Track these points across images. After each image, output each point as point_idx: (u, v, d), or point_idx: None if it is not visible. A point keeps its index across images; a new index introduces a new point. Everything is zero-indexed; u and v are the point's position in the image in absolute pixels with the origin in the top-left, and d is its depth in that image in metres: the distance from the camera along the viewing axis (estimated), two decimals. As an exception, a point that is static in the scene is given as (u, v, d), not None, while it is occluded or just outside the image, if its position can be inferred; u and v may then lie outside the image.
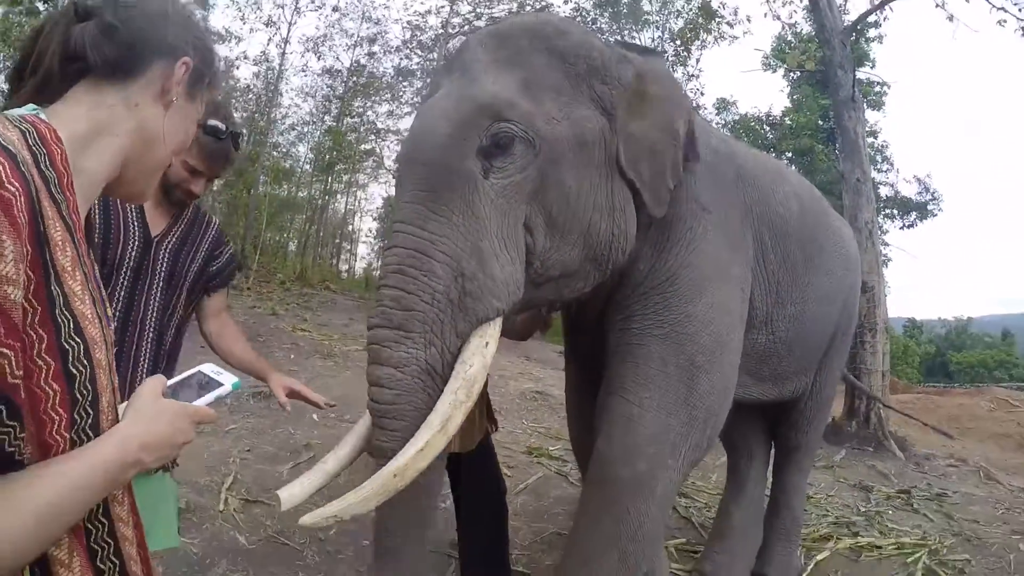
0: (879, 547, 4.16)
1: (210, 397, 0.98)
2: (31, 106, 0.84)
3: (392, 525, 1.96)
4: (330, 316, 13.33)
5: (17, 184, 0.69)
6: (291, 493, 1.78)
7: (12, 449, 0.68)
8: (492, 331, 1.91)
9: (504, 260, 1.92)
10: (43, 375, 0.72)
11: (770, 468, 3.73)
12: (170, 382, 0.97)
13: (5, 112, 0.79)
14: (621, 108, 2.16)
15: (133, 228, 2.02)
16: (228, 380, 1.02)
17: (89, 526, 0.82)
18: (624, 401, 2.29)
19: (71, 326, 0.76)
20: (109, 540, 0.86)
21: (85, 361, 0.78)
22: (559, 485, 4.89)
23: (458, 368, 1.83)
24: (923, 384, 23.20)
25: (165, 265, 2.08)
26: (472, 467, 2.90)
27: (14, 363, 0.66)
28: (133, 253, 2.00)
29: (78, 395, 0.77)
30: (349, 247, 30.58)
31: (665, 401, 2.28)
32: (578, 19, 17.30)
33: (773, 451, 3.70)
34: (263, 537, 3.50)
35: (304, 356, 8.86)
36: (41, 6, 15.28)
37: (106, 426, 0.82)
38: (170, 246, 2.10)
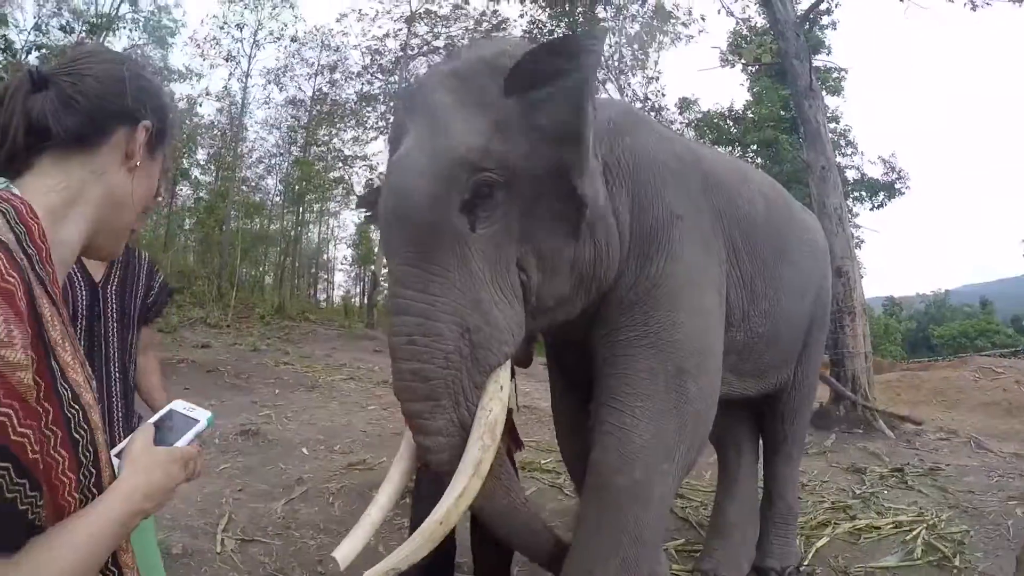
0: (877, 527, 4.20)
1: (191, 435, 1.00)
2: (1, 181, 0.87)
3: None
4: (312, 347, 13.29)
5: (15, 274, 0.74)
6: (345, 552, 1.86)
7: (34, 516, 0.73)
8: (504, 374, 2.02)
9: (504, 305, 1.98)
10: (52, 444, 0.77)
11: (761, 461, 3.76)
12: (151, 421, 1.00)
13: None
14: None
15: (77, 278, 2.10)
16: (202, 415, 1.03)
17: None
18: (616, 411, 2.32)
19: (70, 395, 0.81)
20: None
21: (85, 425, 0.83)
22: (554, 498, 4.88)
23: (479, 415, 1.94)
24: (908, 360, 23.44)
25: (115, 307, 2.17)
26: None
27: (33, 440, 0.72)
28: (83, 302, 2.09)
29: (82, 457, 0.82)
30: (326, 276, 30.52)
31: (656, 408, 2.31)
32: (535, 32, 17.44)
33: (762, 444, 3.73)
34: (263, 576, 3.46)
35: (289, 390, 8.81)
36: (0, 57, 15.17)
37: (107, 481, 0.87)
38: (114, 288, 2.19)
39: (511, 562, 3.16)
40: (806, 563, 3.66)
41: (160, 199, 2.21)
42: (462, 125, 1.97)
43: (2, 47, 15.58)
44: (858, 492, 5.09)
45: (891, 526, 4.23)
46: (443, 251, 1.91)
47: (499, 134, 1.98)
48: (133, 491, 0.85)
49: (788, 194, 3.47)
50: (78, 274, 2.10)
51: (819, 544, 3.89)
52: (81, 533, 0.77)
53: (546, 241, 2.06)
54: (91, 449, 0.84)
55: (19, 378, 0.71)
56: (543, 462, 5.72)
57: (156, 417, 1.02)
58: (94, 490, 0.84)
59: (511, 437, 3.05)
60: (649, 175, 2.40)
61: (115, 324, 2.16)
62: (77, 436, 0.81)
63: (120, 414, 2.15)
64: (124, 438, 1.94)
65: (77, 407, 0.82)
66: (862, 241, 20.56)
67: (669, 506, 2.56)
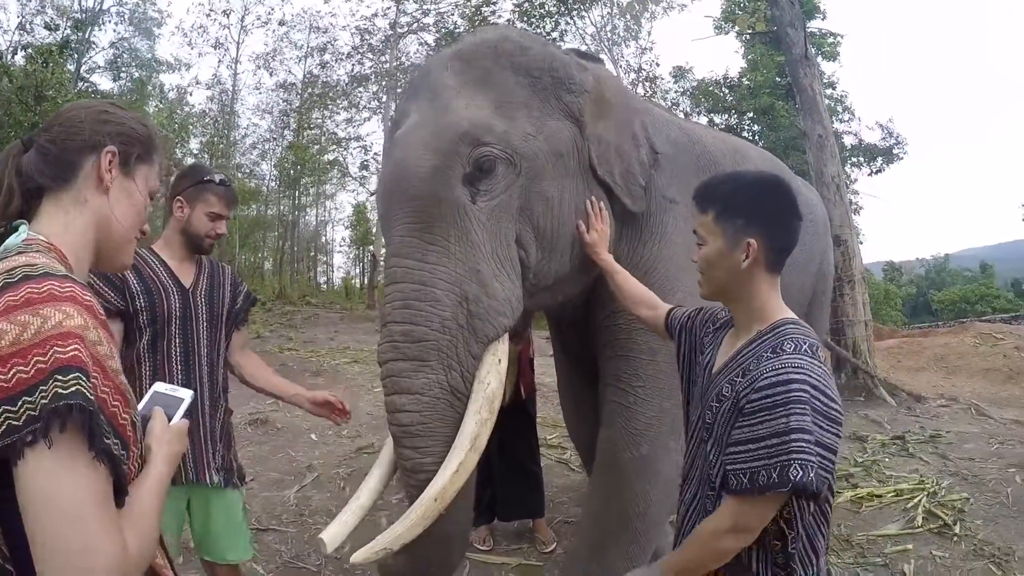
0: (879, 496, 4.28)
1: (182, 411, 1.21)
2: (22, 227, 1.05)
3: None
4: (315, 332, 13.31)
5: (98, 306, 0.97)
6: (332, 534, 1.86)
7: (129, 473, 0.98)
8: (503, 347, 2.01)
9: (503, 279, 2.00)
10: (129, 423, 0.99)
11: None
12: (141, 405, 1.18)
13: (14, 242, 1.02)
14: (587, 114, 2.23)
15: (169, 284, 2.26)
16: (185, 393, 1.24)
17: None
18: (620, 391, 2.40)
19: (128, 389, 1.03)
20: None
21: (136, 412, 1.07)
22: (561, 474, 4.96)
23: (476, 387, 1.93)
24: (908, 326, 23.46)
25: (204, 310, 2.36)
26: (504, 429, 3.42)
27: (128, 426, 0.97)
28: (176, 304, 2.27)
29: (139, 435, 1.06)
30: (325, 259, 30.52)
31: (658, 387, 2.37)
32: (524, 5, 17.26)
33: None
34: (280, 564, 3.54)
35: (294, 376, 8.79)
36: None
37: (145, 455, 1.11)
38: (203, 292, 2.38)
39: (538, 492, 3.75)
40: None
41: (151, 208, 2.32)
42: (465, 102, 2.03)
43: (-14, 50, 15.46)
44: (860, 460, 5.17)
45: (892, 494, 4.30)
46: (443, 222, 1.94)
47: (501, 112, 2.04)
48: (167, 457, 1.11)
49: (787, 170, 3.49)
50: (169, 279, 2.28)
51: (822, 513, 3.94)
52: (155, 486, 1.05)
53: (545, 220, 2.11)
54: (142, 429, 1.10)
55: (121, 380, 0.97)
56: (549, 438, 5.79)
57: (147, 399, 1.21)
58: (141, 461, 1.08)
59: (523, 383, 3.54)
60: None
61: (204, 325, 2.34)
62: (135, 420, 1.04)
63: (208, 404, 2.33)
64: (211, 425, 2.25)
65: (132, 397, 1.04)
66: (860, 207, 20.58)
67: (677, 481, 2.62)
